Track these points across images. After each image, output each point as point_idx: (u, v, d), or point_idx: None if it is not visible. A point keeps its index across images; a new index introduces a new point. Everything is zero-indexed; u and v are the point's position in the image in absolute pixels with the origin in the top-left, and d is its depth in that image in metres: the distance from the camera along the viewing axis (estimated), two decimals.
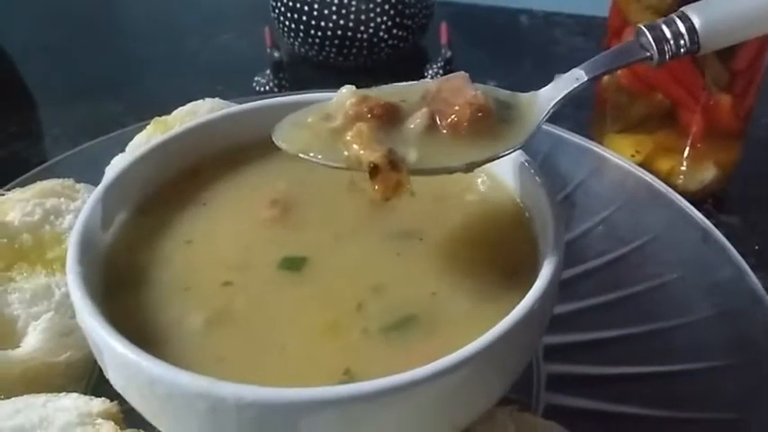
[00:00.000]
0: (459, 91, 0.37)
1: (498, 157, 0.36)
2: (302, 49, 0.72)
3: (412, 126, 0.36)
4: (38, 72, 0.80)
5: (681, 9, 0.37)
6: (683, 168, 0.55)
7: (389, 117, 0.36)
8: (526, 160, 0.40)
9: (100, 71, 0.79)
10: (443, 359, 0.30)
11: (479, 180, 0.42)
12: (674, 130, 0.55)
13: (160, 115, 0.53)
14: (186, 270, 0.38)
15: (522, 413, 0.37)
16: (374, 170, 0.34)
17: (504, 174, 0.41)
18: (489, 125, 0.36)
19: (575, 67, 0.38)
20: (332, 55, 0.71)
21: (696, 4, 0.37)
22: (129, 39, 0.87)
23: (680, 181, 0.55)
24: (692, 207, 0.48)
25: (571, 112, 0.58)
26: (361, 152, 0.35)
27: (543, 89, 0.38)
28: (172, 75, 0.76)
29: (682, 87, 0.53)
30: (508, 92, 0.38)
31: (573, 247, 0.48)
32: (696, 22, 0.37)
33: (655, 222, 0.49)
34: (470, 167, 0.36)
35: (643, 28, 0.37)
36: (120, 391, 0.34)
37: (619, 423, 0.39)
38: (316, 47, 0.71)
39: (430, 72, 0.69)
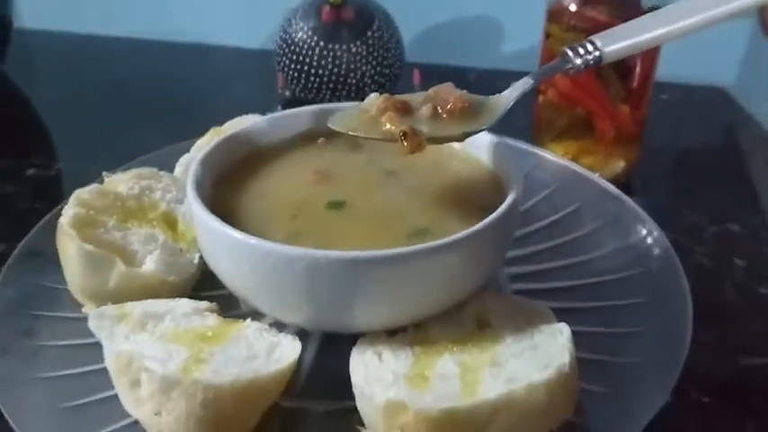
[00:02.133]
0: (450, 92, 0.55)
1: (481, 130, 0.52)
2: (302, 94, 0.91)
3: (421, 113, 0.53)
4: (67, 121, 0.93)
5: (589, 37, 0.54)
6: (599, 163, 0.74)
7: (406, 109, 0.53)
8: (498, 139, 0.57)
9: (129, 118, 0.93)
10: (446, 239, 0.47)
11: (462, 154, 0.59)
12: (592, 135, 0.73)
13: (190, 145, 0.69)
14: (264, 210, 0.53)
15: (507, 296, 0.54)
16: (404, 135, 0.51)
17: (481, 148, 0.58)
18: (472, 112, 0.53)
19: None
20: (326, 97, 0.89)
21: (599, 34, 0.54)
22: (152, 92, 1.01)
23: (597, 173, 0.74)
24: (607, 182, 0.67)
25: (518, 128, 0.76)
26: (393, 128, 0.52)
27: (504, 91, 0.54)
28: (196, 112, 0.91)
29: (594, 102, 0.71)
30: (481, 96, 0.55)
31: (524, 216, 0.65)
32: (599, 43, 0.53)
33: (581, 195, 0.66)
34: (462, 137, 0.52)
35: (566, 49, 0.54)
36: (231, 276, 0.49)
37: (562, 313, 0.53)
38: (314, 91, 0.89)
39: None
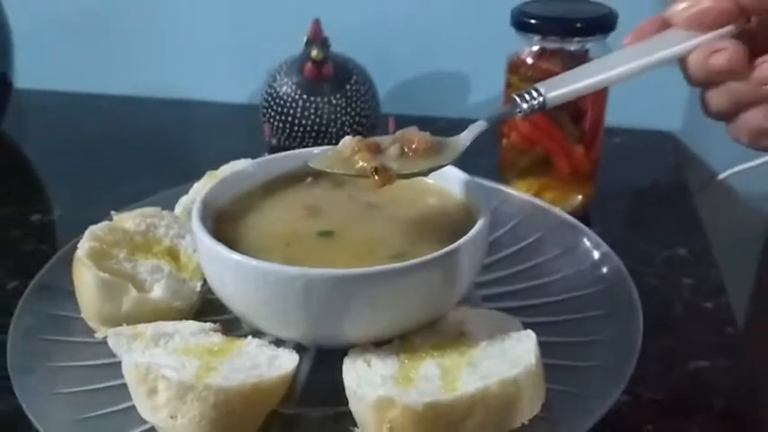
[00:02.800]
0: (414, 133, 0.62)
1: (443, 166, 0.59)
2: (286, 142, 0.98)
3: (390, 152, 0.61)
4: (63, 172, 0.99)
5: (533, 85, 0.59)
6: (558, 198, 0.81)
7: (376, 149, 0.61)
8: (466, 176, 0.64)
9: (119, 168, 0.99)
10: (424, 257, 0.54)
11: (436, 188, 0.66)
12: (551, 173, 0.80)
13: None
14: (261, 239, 0.59)
15: (481, 309, 0.60)
16: (375, 171, 0.59)
17: (453, 183, 0.64)
18: (434, 150, 0.59)
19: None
20: (309, 144, 0.96)
21: (543, 82, 0.59)
22: (142, 145, 1.07)
23: (558, 207, 0.82)
24: (565, 214, 0.75)
25: (486, 169, 0.83)
26: (365, 164, 0.60)
27: (462, 133, 0.60)
28: (185, 160, 0.98)
29: (552, 142, 0.79)
30: (443, 137, 0.61)
31: (493, 245, 0.71)
32: (542, 90, 0.58)
33: (542, 226, 0.73)
34: (427, 172, 0.59)
35: (515, 95, 0.59)
36: (232, 297, 0.55)
37: (527, 326, 0.59)
38: (297, 139, 0.96)
39: None
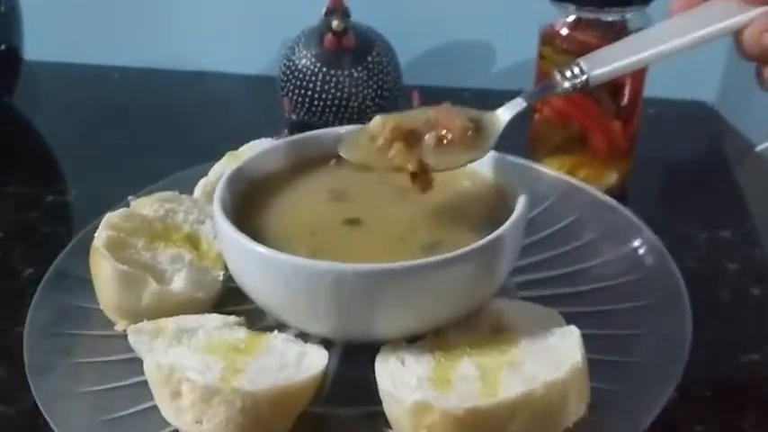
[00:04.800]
0: (450, 118, 0.58)
1: (480, 158, 0.57)
2: (306, 117, 0.94)
3: (427, 143, 0.57)
4: (78, 150, 0.95)
5: (576, 60, 0.57)
6: (593, 176, 0.77)
7: (413, 138, 0.57)
8: (502, 157, 0.61)
9: (133, 144, 0.96)
10: (460, 250, 0.51)
11: (469, 171, 0.61)
12: (586, 150, 0.76)
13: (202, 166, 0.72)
14: (285, 228, 0.56)
15: (518, 302, 0.57)
16: (413, 175, 0.55)
17: (486, 166, 0.61)
18: (470, 137, 0.57)
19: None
20: (330, 120, 0.93)
21: (585, 56, 0.57)
22: (157, 120, 1.04)
23: (592, 185, 0.78)
24: (602, 194, 0.71)
25: (513, 142, 0.79)
26: (402, 163, 0.56)
27: (498, 110, 0.57)
28: (204, 137, 0.94)
29: (588, 118, 0.75)
30: (478, 112, 0.58)
31: (527, 226, 0.67)
32: (585, 67, 0.56)
33: (578, 206, 0.70)
34: (464, 164, 0.57)
35: (554, 71, 0.57)
36: (258, 290, 0.52)
37: (568, 317, 0.55)
38: (317, 114, 0.92)
39: None
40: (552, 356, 0.49)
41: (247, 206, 0.60)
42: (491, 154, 0.61)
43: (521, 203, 0.55)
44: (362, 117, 0.92)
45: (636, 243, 0.66)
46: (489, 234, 0.52)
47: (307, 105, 0.92)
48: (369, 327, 0.52)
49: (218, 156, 0.73)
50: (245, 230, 0.54)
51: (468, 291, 0.53)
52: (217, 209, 0.55)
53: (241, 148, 0.73)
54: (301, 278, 0.50)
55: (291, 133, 0.92)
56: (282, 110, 0.94)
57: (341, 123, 0.92)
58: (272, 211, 0.60)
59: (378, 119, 0.58)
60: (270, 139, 0.74)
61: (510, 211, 0.56)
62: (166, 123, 1.03)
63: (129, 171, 0.86)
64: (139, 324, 0.53)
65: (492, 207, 0.59)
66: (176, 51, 1.16)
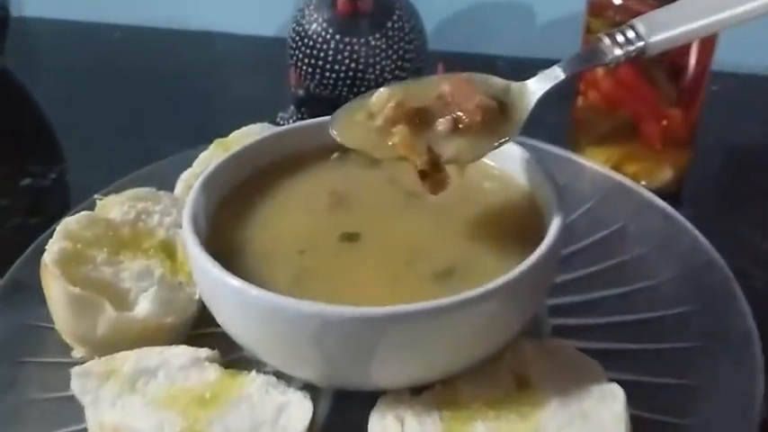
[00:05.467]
0: (468, 96, 0.47)
1: (504, 143, 0.46)
2: (317, 90, 0.83)
3: (440, 129, 0.46)
4: (73, 119, 0.87)
5: (630, 21, 0.47)
6: (645, 171, 0.67)
7: (420, 118, 0.46)
8: (530, 156, 0.51)
9: (131, 116, 0.88)
10: (482, 287, 0.41)
11: (494, 171, 0.53)
12: (637, 140, 0.66)
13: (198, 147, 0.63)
14: (269, 243, 0.47)
15: (540, 340, 0.47)
16: (423, 173, 0.45)
17: (513, 167, 0.52)
18: (493, 118, 0.46)
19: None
20: (344, 93, 0.82)
21: (642, 16, 0.47)
22: (156, 87, 0.95)
23: (643, 182, 0.67)
24: (655, 196, 0.60)
25: (551, 130, 0.69)
26: (407, 152, 0.45)
27: (530, 80, 0.47)
28: (200, 115, 0.85)
29: (642, 105, 0.64)
30: (504, 82, 0.48)
31: None
32: (641, 30, 0.46)
33: (626, 210, 0.60)
34: (485, 154, 0.46)
35: (603, 35, 0.47)
36: (233, 329, 0.44)
37: (612, 358, 0.48)
38: (330, 87, 0.82)
39: None
40: (588, 426, 0.39)
41: (229, 210, 0.51)
42: (522, 152, 0.51)
43: (557, 219, 0.45)
44: None
45: (694, 263, 0.55)
46: (516, 256, 0.44)
47: (317, 77, 0.82)
48: (363, 376, 0.43)
49: (214, 137, 0.64)
50: (223, 243, 0.47)
51: (486, 335, 0.43)
52: (186, 223, 0.46)
53: (231, 135, 0.63)
54: (278, 321, 0.40)
55: (299, 110, 0.82)
56: (290, 84, 0.83)
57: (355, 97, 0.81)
58: (257, 219, 0.51)
59: (381, 90, 0.48)
60: (265, 125, 0.64)
61: (543, 221, 0.47)
62: (167, 92, 0.94)
63: (118, 150, 0.78)
64: (87, 365, 0.44)
65: (521, 219, 0.50)
66: (183, 9, 1.06)
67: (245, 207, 0.51)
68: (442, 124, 0.46)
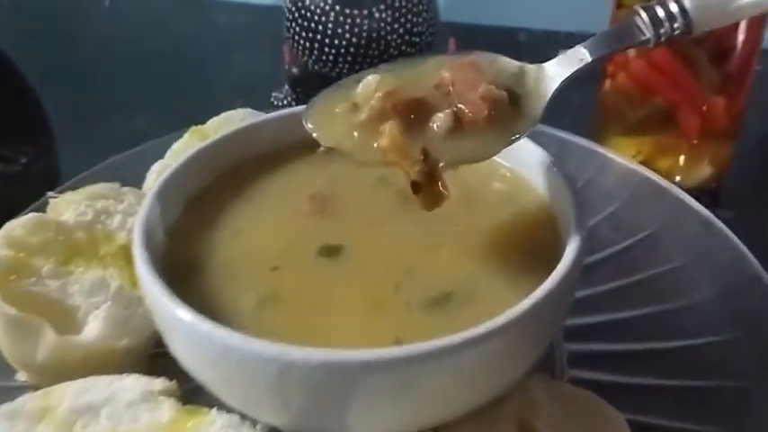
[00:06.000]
0: (472, 84, 0.39)
1: (515, 141, 0.38)
2: (316, 66, 0.76)
3: (437, 126, 0.38)
4: (56, 95, 0.81)
5: None
6: (681, 167, 0.59)
7: (414, 112, 0.38)
8: (547, 156, 0.43)
9: (119, 92, 0.82)
10: (485, 324, 0.33)
11: (505, 172, 0.45)
12: (673, 131, 0.59)
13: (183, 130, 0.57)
14: (239, 257, 0.41)
15: (553, 381, 0.40)
16: (415, 185, 0.37)
17: (527, 167, 0.45)
18: (503, 112, 0.38)
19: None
20: (344, 71, 0.74)
21: None
22: (146, 60, 0.89)
23: (678, 179, 0.59)
24: (691, 199, 0.52)
25: (573, 117, 0.61)
26: (397, 157, 0.38)
27: (549, 63, 0.40)
28: (192, 93, 0.79)
29: (679, 91, 0.57)
30: (516, 65, 0.40)
31: None
32: (687, 3, 0.38)
33: (658, 214, 0.53)
34: (493, 155, 0.39)
35: (639, 9, 0.39)
36: (187, 364, 0.37)
37: (636, 393, 0.42)
38: (329, 63, 0.75)
39: None
40: None
41: (193, 220, 0.44)
42: (539, 151, 0.44)
43: (575, 241, 0.38)
44: None
45: (737, 279, 0.47)
46: (527, 280, 0.37)
47: (316, 52, 0.74)
48: (336, 426, 0.36)
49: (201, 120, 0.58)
50: (184, 258, 0.41)
51: (486, 380, 0.36)
52: (137, 236, 0.39)
53: (209, 122, 0.56)
54: (233, 363, 0.34)
55: (294, 90, 0.74)
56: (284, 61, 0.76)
57: None
58: (227, 225, 0.44)
59: (369, 78, 0.40)
60: (248, 111, 0.57)
61: (559, 237, 0.40)
62: (155, 64, 0.88)
63: (99, 131, 0.73)
64: (17, 403, 0.38)
65: (533, 229, 0.43)
66: None
67: (215, 211, 0.45)
68: (440, 120, 0.38)
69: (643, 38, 0.39)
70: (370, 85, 0.40)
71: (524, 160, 0.45)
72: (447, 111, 0.39)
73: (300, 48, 0.75)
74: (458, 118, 0.39)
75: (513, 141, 0.38)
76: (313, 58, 0.75)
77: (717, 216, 0.57)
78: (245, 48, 0.88)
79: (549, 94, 0.39)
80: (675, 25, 0.38)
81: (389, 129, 0.38)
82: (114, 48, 0.91)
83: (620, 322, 0.47)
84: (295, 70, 0.73)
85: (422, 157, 0.37)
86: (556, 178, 0.43)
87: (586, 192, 0.55)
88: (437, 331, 0.34)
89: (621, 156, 0.57)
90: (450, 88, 0.39)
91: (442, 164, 0.37)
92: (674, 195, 0.53)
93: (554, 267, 0.36)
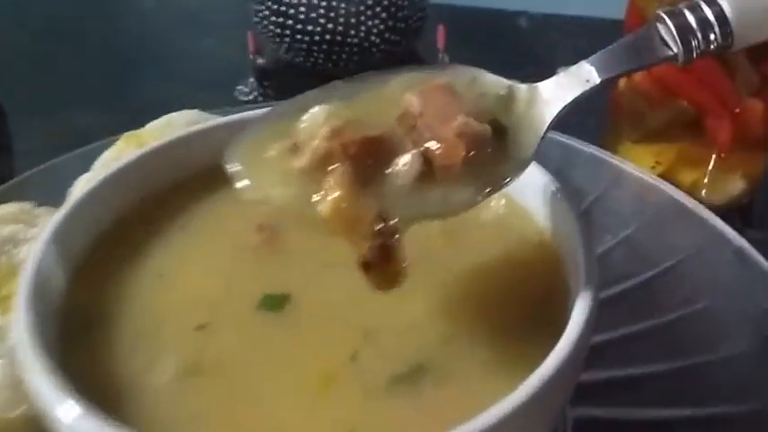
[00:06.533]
0: (445, 115, 0.31)
1: (502, 187, 0.31)
2: (288, 55, 0.68)
3: (400, 174, 0.29)
4: (7, 81, 0.75)
5: None
6: (707, 181, 0.51)
7: (371, 156, 0.30)
8: (549, 179, 0.35)
9: (74, 79, 0.75)
10: (463, 428, 0.25)
11: (500, 199, 0.37)
12: (699, 139, 0.52)
13: (137, 127, 0.49)
14: (156, 310, 0.33)
15: None
16: (365, 264, 0.29)
17: (523, 194, 0.37)
18: (485, 151, 0.30)
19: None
20: (320, 61, 0.67)
21: None
22: (104, 46, 0.82)
23: (703, 194, 0.51)
24: (723, 223, 0.44)
25: (579, 119, 0.54)
26: (344, 234, 0.29)
27: (544, 84, 0.33)
28: (149, 83, 0.72)
29: (709, 93, 0.49)
30: (503, 85, 0.33)
31: None
32: (726, 7, 0.31)
33: (682, 242, 0.45)
34: (472, 206, 0.31)
35: (663, 15, 0.32)
36: None
37: None
38: (303, 52, 0.67)
39: None
40: None
41: (103, 259, 0.36)
42: (542, 175, 0.37)
43: (586, 297, 0.30)
44: (366, 60, 0.67)
45: None
46: (521, 348, 0.30)
47: (287, 41, 0.67)
48: None
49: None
50: (89, 309, 0.33)
51: None
52: (22, 289, 0.31)
53: (147, 126, 0.48)
54: None
55: (261, 84, 0.66)
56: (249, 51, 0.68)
57: (334, 66, 0.69)
58: (149, 265, 0.36)
59: (317, 111, 0.31)
60: (194, 113, 0.49)
61: (564, 287, 0.33)
62: (111, 50, 0.81)
63: (43, 128, 0.65)
64: None
65: (533, 273, 0.35)
66: None
67: (139, 244, 0.37)
68: (403, 165, 0.30)
69: (669, 53, 0.32)
70: (316, 119, 0.31)
71: (522, 184, 0.36)
72: (413, 152, 0.30)
73: (270, 34, 0.68)
74: (427, 161, 0.30)
75: (498, 189, 0.31)
76: (285, 46, 0.68)
77: (748, 238, 0.49)
78: (210, 36, 0.81)
79: (545, 126, 0.32)
80: (711, 37, 0.32)
81: (335, 181, 0.29)
82: (60, 29, 0.85)
83: (635, 379, 0.40)
84: (261, 61, 0.65)
85: (377, 227, 0.28)
86: (561, 209, 0.35)
87: (594, 212, 0.48)
88: (403, 420, 0.28)
89: (637, 167, 0.50)
90: (418, 121, 0.31)
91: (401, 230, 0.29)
92: (702, 218, 0.45)
93: (556, 328, 0.29)
